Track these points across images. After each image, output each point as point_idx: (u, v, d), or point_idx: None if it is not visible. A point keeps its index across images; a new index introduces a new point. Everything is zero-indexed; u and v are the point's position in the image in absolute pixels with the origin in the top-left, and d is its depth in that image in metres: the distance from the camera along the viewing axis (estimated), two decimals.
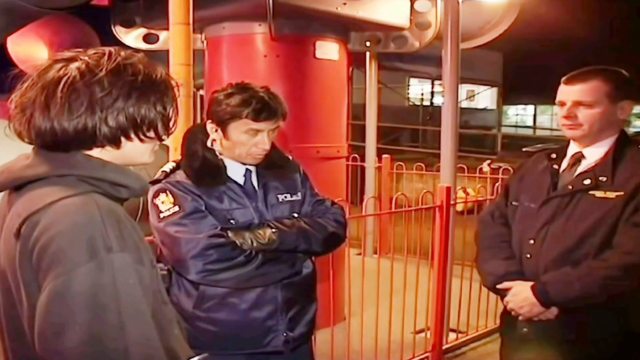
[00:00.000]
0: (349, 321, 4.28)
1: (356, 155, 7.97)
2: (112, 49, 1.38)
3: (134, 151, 1.40)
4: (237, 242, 2.17)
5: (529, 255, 2.39)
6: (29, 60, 7.00)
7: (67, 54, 1.36)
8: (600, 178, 2.28)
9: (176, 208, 2.19)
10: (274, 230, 2.24)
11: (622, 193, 2.23)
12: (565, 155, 2.45)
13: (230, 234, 2.18)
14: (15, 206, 1.32)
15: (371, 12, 4.68)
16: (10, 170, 1.36)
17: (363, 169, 7.61)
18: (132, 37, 5.24)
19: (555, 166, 2.44)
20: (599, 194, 2.27)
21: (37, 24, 5.55)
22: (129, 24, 5.21)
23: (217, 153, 2.31)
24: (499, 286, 2.44)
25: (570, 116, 2.34)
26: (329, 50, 4.75)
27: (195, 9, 3.34)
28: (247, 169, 2.35)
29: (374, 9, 4.70)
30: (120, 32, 5.19)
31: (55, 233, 1.21)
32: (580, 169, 2.38)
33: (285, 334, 2.32)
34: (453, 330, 4.79)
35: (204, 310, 2.25)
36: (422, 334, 4.59)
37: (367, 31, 5.12)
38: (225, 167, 2.32)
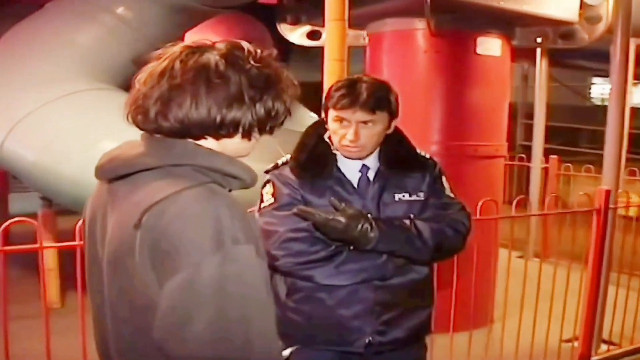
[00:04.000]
0: (490, 326, 4.19)
1: (523, 155, 7.76)
2: (243, 42, 1.38)
3: (250, 144, 1.40)
4: (338, 226, 2.06)
5: None
6: None
7: (201, 41, 1.37)
8: None
9: (272, 199, 2.20)
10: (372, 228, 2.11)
11: None
12: None
13: (342, 219, 2.06)
14: (129, 195, 1.32)
15: (537, 6, 4.49)
16: (122, 157, 1.37)
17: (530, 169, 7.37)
18: (297, 35, 5.41)
19: None
20: None
21: (213, 21, 5.88)
22: (294, 22, 5.37)
23: (334, 148, 2.26)
24: None
25: None
26: (490, 46, 4.64)
27: (357, 6, 3.41)
28: (363, 165, 2.25)
29: (540, 2, 4.50)
30: (285, 29, 5.37)
31: (183, 224, 1.21)
32: None
33: (371, 337, 2.22)
34: (605, 342, 4.52)
35: (294, 301, 2.24)
36: (569, 344, 4.39)
37: (532, 26, 4.92)
38: (335, 161, 2.25)
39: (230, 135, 1.35)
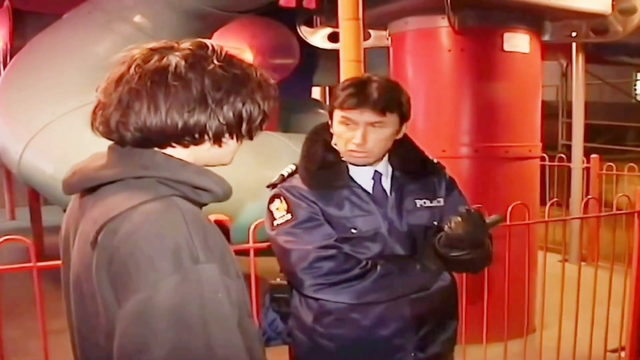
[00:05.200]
0: (529, 336, 3.99)
1: (563, 155, 7.51)
2: (210, 41, 1.29)
3: (224, 151, 1.30)
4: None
5: None
6: None
7: (163, 42, 1.27)
8: None
9: (289, 216, 2.02)
10: None
11: None
12: None
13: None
14: (89, 211, 1.25)
15: None
16: (84, 171, 1.29)
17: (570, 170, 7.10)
18: (318, 38, 5.31)
19: None
20: None
21: (238, 27, 5.80)
22: (314, 24, 5.26)
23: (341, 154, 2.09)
24: None
25: None
26: (518, 42, 4.43)
27: (373, 5, 3.27)
28: (375, 171, 2.08)
29: None
30: (306, 32, 5.27)
31: (137, 242, 1.12)
32: None
33: (414, 354, 2.07)
34: None
35: (324, 325, 2.05)
36: (616, 354, 4.11)
37: (562, 20, 4.68)
38: (347, 169, 2.08)
39: (197, 142, 1.25)
